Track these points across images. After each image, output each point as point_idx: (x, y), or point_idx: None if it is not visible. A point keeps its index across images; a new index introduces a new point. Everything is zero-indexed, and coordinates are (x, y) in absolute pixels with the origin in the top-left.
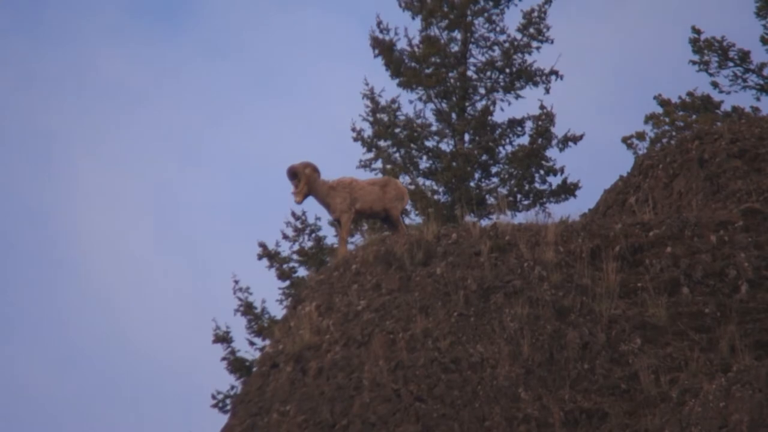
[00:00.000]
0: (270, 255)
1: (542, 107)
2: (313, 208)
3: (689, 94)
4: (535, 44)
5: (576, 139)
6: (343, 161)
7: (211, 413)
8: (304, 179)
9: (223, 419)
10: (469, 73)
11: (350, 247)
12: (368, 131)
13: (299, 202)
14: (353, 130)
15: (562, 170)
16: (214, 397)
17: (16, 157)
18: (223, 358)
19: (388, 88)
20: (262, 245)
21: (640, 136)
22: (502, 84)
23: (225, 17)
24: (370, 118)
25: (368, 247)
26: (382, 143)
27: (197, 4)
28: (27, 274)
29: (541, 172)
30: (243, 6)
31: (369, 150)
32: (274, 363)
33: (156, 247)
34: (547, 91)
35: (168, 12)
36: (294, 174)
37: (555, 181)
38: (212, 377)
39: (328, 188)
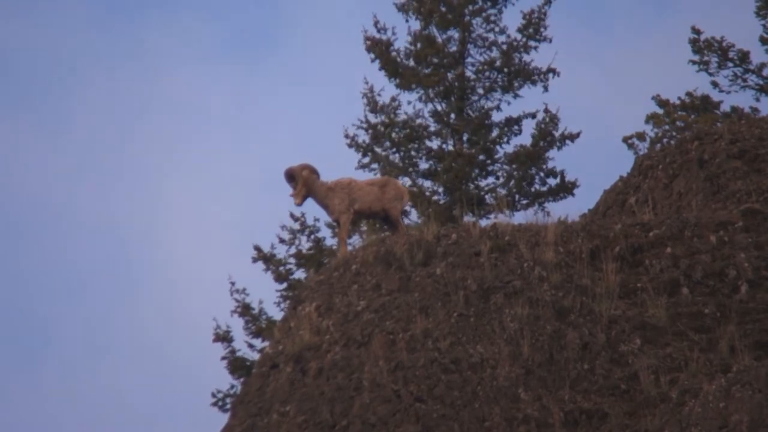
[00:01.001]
0: (265, 258)
1: (546, 111)
2: (312, 210)
3: (688, 94)
4: (533, 44)
5: (573, 137)
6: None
7: (210, 412)
8: (302, 181)
9: (223, 418)
10: (468, 73)
11: (349, 248)
12: (362, 137)
13: (299, 204)
14: (346, 136)
15: (562, 174)
16: (213, 395)
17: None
18: (223, 358)
19: (388, 88)
20: (257, 248)
21: (641, 136)
22: (500, 84)
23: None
24: (365, 125)
25: (368, 248)
26: (378, 146)
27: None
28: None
29: (541, 174)
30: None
31: (365, 155)
32: (274, 363)
33: (157, 245)
34: (546, 89)
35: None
36: (291, 176)
37: (553, 181)
38: (212, 376)
39: (326, 189)
